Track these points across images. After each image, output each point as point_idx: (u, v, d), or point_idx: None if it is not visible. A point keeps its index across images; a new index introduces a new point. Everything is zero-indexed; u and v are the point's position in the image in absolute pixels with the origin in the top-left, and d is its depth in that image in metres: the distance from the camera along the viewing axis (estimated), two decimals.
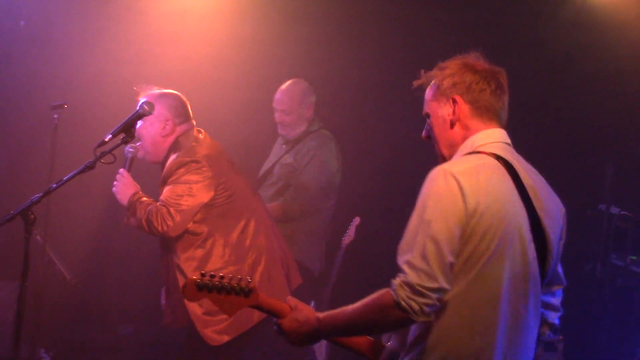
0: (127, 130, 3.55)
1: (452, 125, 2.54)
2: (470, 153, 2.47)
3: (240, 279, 2.59)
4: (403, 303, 2.29)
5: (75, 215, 5.47)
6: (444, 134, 2.57)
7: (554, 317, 2.73)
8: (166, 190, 3.89)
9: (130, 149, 3.97)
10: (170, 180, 3.90)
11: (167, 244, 4.00)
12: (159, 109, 3.93)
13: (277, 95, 5.18)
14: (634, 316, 5.48)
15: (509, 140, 2.56)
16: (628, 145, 5.90)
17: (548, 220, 2.48)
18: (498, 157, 2.44)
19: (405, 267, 2.31)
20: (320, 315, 2.53)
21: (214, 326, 3.87)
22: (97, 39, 5.76)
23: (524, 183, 2.45)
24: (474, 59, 2.58)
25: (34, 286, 4.54)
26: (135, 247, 5.72)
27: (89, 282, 5.72)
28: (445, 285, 2.30)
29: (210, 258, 3.92)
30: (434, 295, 2.29)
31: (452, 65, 2.56)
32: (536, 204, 2.45)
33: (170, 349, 5.85)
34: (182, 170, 3.87)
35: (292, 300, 2.60)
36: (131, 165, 4.01)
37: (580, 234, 6.01)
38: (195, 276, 2.56)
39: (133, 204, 3.90)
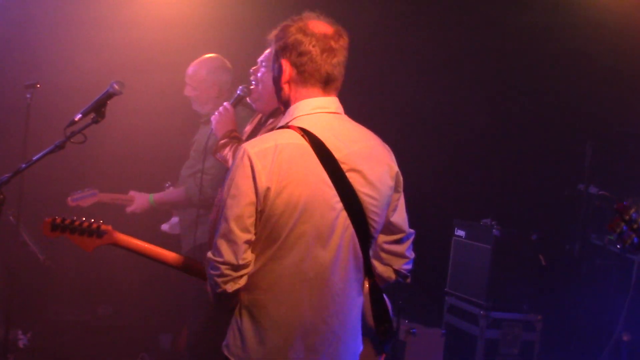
0: (98, 110, 3.48)
1: (280, 88, 2.57)
2: (282, 127, 2.51)
3: (92, 223, 3.01)
4: (207, 274, 2.50)
5: (50, 195, 5.41)
6: (276, 94, 2.61)
7: (400, 264, 2.79)
8: None
9: (244, 89, 3.90)
10: None
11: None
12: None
13: (189, 68, 4.78)
14: (611, 296, 5.50)
15: (334, 108, 2.56)
16: (607, 125, 5.91)
17: (364, 186, 2.50)
18: (305, 132, 2.45)
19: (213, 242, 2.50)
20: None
21: None
22: (71, 18, 5.69)
23: (335, 156, 2.46)
24: (311, 18, 2.55)
25: (8, 267, 4.50)
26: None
27: (65, 262, 5.67)
28: (231, 260, 2.42)
29: None
30: (222, 267, 2.43)
31: (283, 27, 2.55)
32: (349, 174, 2.48)
33: (151, 329, 5.85)
34: None
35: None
36: (237, 104, 3.94)
37: (559, 214, 6.03)
38: (49, 218, 2.99)
39: (230, 141, 3.80)
